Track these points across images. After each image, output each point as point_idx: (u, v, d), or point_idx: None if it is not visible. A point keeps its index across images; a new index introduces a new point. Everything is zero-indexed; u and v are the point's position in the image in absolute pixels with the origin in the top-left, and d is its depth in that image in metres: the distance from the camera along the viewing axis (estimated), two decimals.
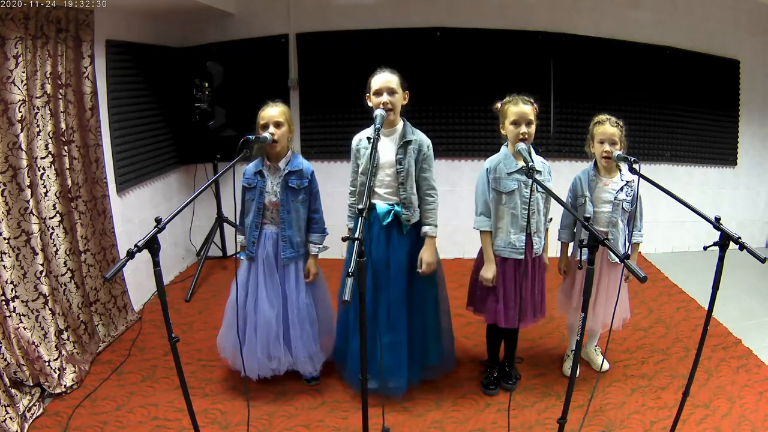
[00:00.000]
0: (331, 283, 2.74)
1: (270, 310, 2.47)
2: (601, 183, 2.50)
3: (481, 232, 2.46)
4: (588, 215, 2.44)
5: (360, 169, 2.46)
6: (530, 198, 2.33)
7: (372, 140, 2.01)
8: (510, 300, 2.42)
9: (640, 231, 2.56)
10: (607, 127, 2.43)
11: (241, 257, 2.56)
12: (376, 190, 2.42)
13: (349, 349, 2.53)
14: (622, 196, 2.45)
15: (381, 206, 2.42)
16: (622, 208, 2.46)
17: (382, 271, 2.40)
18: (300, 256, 2.53)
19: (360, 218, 1.58)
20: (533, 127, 2.34)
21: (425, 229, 2.45)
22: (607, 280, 2.55)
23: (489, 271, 2.41)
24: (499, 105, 2.43)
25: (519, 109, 2.32)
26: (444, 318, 2.63)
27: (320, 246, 2.55)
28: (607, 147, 2.42)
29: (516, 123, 2.33)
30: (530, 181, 2.30)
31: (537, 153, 2.40)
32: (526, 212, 2.34)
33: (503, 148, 2.44)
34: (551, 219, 2.52)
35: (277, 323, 2.48)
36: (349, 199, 2.60)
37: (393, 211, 2.41)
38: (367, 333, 2.33)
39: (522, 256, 2.38)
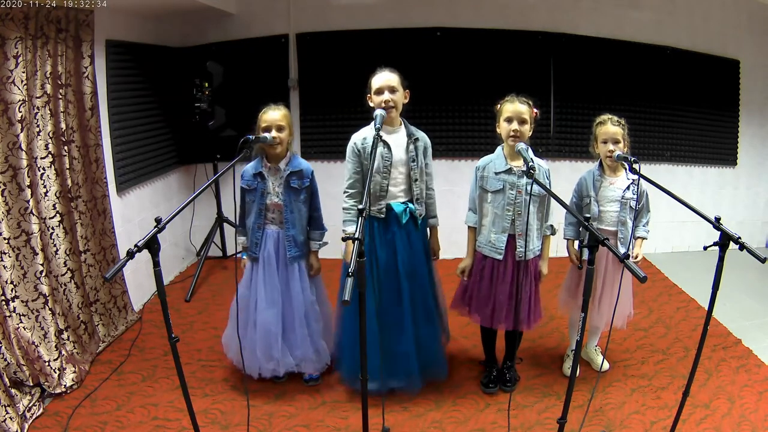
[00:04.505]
0: (330, 283, 2.74)
1: (268, 310, 2.48)
2: (607, 182, 2.51)
3: (468, 226, 2.53)
4: (589, 215, 2.43)
5: (374, 169, 2.44)
6: (516, 199, 2.34)
7: (374, 140, 2.01)
8: (483, 298, 2.47)
9: (645, 226, 2.57)
10: (609, 127, 2.44)
11: (243, 257, 2.58)
12: (391, 189, 2.43)
13: (383, 352, 2.39)
14: (629, 194, 2.46)
15: (397, 205, 2.44)
16: (630, 206, 2.47)
17: (407, 270, 2.44)
18: (303, 255, 2.55)
19: (360, 218, 1.59)
20: (527, 127, 2.34)
21: (432, 221, 2.60)
22: (612, 277, 2.56)
23: (464, 262, 2.53)
24: (498, 106, 2.44)
25: (514, 107, 2.33)
26: (441, 308, 2.70)
27: (320, 242, 2.58)
28: (610, 146, 2.43)
29: (509, 120, 2.34)
30: (517, 183, 2.33)
31: (535, 155, 2.41)
32: (510, 213, 2.36)
33: (498, 148, 2.46)
34: (552, 226, 2.50)
35: (276, 324, 2.49)
36: (347, 202, 2.46)
37: (409, 209, 2.45)
38: (408, 331, 2.44)
39: (500, 257, 2.40)
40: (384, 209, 2.43)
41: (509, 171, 2.35)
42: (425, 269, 2.53)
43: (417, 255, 2.49)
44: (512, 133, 2.32)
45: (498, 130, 2.42)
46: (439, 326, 2.62)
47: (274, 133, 2.37)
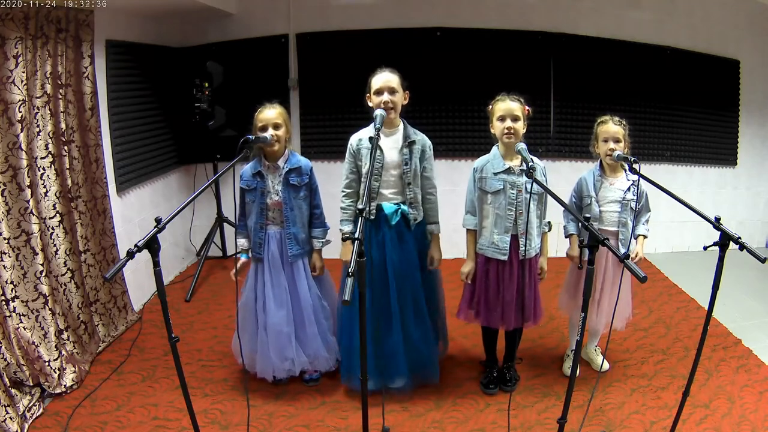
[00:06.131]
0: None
1: (278, 311, 2.47)
2: (607, 183, 2.51)
3: (466, 230, 2.50)
4: (589, 215, 2.43)
5: (364, 170, 2.45)
6: (517, 198, 2.34)
7: (373, 140, 2.00)
8: (491, 300, 2.44)
9: (645, 224, 2.56)
10: (610, 126, 2.45)
11: (243, 258, 2.56)
12: (382, 191, 2.42)
13: (378, 350, 2.46)
14: (629, 196, 2.46)
15: (388, 206, 2.43)
16: (631, 207, 2.47)
17: (396, 270, 2.43)
18: (306, 253, 2.54)
19: (360, 218, 1.58)
20: (520, 124, 2.33)
21: (431, 227, 2.53)
22: (612, 279, 2.56)
23: (466, 266, 2.48)
24: (490, 106, 2.43)
25: (506, 105, 2.33)
26: (440, 316, 2.67)
27: (323, 240, 2.57)
28: (611, 144, 2.44)
29: (502, 119, 2.34)
30: (517, 182, 2.33)
31: (534, 154, 2.41)
32: (512, 213, 2.35)
33: (494, 148, 2.45)
34: (549, 223, 2.51)
35: (288, 323, 2.49)
36: (344, 202, 2.50)
37: (400, 210, 2.43)
38: (396, 333, 2.42)
39: (505, 257, 2.39)
40: (374, 210, 2.42)
41: (508, 170, 2.34)
42: (417, 273, 2.48)
43: (408, 257, 2.45)
44: (506, 131, 2.32)
45: (492, 130, 2.42)
46: (432, 330, 2.56)
47: (271, 131, 2.37)
